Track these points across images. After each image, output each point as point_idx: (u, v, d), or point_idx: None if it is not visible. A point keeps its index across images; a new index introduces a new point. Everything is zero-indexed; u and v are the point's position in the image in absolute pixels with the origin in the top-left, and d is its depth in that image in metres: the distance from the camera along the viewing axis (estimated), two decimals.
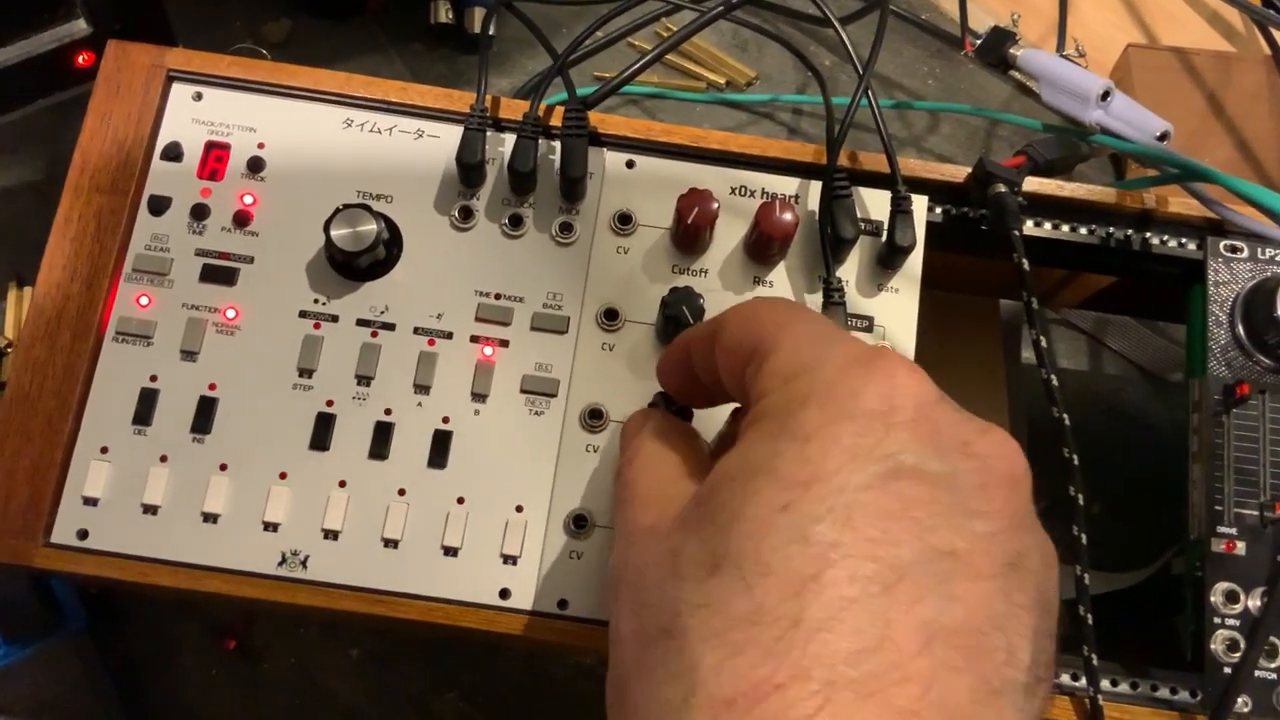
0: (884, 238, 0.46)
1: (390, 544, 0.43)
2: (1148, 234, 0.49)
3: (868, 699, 0.25)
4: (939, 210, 0.48)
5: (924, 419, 0.28)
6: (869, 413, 0.28)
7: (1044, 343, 0.43)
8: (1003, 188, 0.45)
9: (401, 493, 0.43)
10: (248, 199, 0.46)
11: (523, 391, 0.44)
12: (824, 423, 0.28)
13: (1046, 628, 0.29)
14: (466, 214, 0.46)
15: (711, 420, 0.42)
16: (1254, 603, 0.44)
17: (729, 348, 0.33)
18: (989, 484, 0.28)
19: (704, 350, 0.35)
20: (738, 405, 0.41)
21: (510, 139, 0.46)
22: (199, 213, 0.46)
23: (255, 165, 0.46)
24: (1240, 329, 0.47)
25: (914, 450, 0.28)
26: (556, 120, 0.47)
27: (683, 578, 0.28)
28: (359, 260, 0.44)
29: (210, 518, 0.42)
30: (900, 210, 0.46)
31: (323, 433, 0.43)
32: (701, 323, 0.35)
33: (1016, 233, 0.44)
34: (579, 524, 0.43)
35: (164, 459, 0.43)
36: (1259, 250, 0.48)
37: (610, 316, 0.45)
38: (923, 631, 0.26)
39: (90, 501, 0.42)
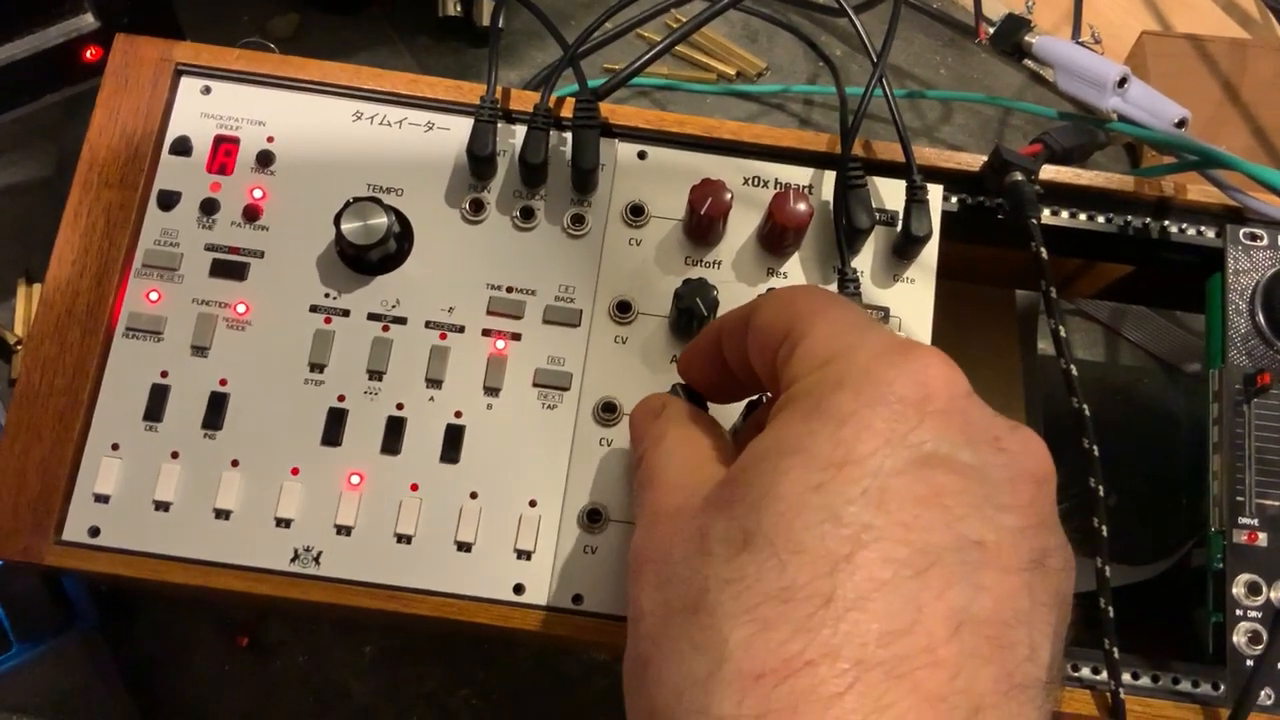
0: (899, 227, 0.46)
1: (403, 539, 0.42)
2: (1166, 222, 0.48)
3: (897, 680, 0.25)
4: (954, 199, 0.48)
5: (956, 410, 0.28)
6: (903, 400, 0.28)
7: (1062, 332, 0.42)
8: (1020, 176, 0.45)
9: (414, 488, 0.43)
10: (257, 193, 0.46)
11: (535, 385, 0.44)
12: (858, 407, 0.28)
13: (1061, 630, 0.29)
14: (478, 206, 0.46)
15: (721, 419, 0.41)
16: (1276, 594, 0.44)
17: (762, 330, 0.33)
18: (1018, 479, 0.28)
19: (736, 335, 0.34)
20: (751, 400, 0.41)
21: (521, 131, 0.46)
22: (208, 207, 0.45)
23: (265, 159, 0.46)
24: (1261, 317, 0.47)
25: (946, 440, 0.28)
26: (567, 112, 0.46)
27: (711, 554, 0.28)
28: (370, 254, 0.44)
29: (222, 514, 0.42)
30: (915, 199, 0.45)
31: (335, 428, 0.43)
32: (734, 309, 0.35)
33: (1035, 221, 0.44)
34: (593, 518, 0.43)
35: (175, 455, 0.43)
36: (1279, 238, 0.48)
37: (623, 309, 0.45)
38: (952, 619, 0.26)
39: (101, 498, 0.42)
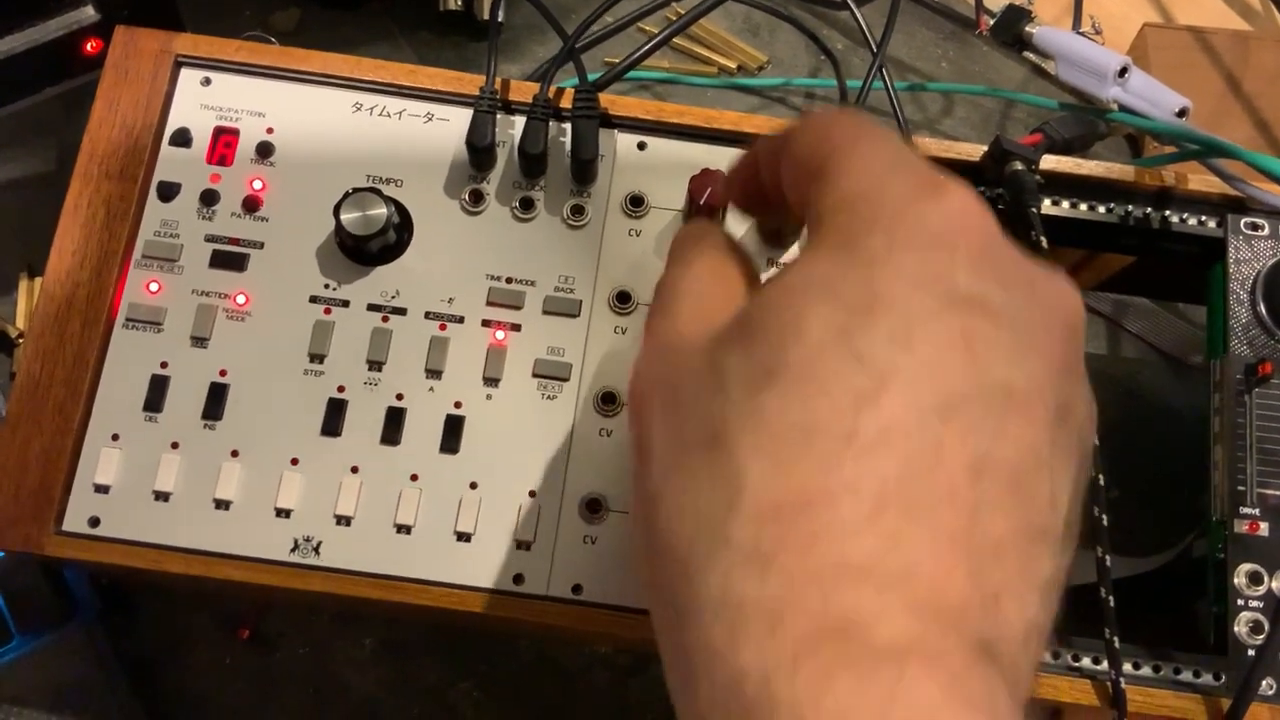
0: None
1: (403, 530, 0.42)
2: (1167, 212, 0.48)
3: (916, 519, 0.25)
4: None
5: (989, 254, 0.28)
6: (934, 241, 0.27)
7: None
8: (1020, 165, 0.45)
9: (414, 478, 0.43)
10: (257, 184, 0.46)
11: (535, 376, 0.44)
12: (889, 249, 0.27)
13: (1081, 482, 0.29)
14: (477, 197, 0.46)
15: None
16: (1278, 584, 0.44)
17: (797, 160, 0.32)
18: (1050, 325, 0.28)
19: (771, 161, 0.33)
20: None
21: (520, 121, 0.46)
22: (208, 198, 0.45)
23: (264, 150, 0.46)
24: (1262, 307, 0.46)
25: (978, 282, 0.27)
26: (567, 103, 0.46)
27: (729, 390, 0.27)
28: (369, 244, 0.44)
29: (222, 504, 0.42)
30: None
31: (334, 418, 0.43)
32: (772, 134, 0.34)
33: (1035, 211, 0.44)
34: (593, 509, 0.43)
35: (175, 446, 0.43)
36: None
37: (623, 300, 0.45)
38: (974, 464, 0.25)
39: (101, 489, 0.42)
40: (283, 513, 0.42)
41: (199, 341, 0.44)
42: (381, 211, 0.43)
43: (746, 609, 0.24)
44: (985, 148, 0.47)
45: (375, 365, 0.44)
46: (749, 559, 0.25)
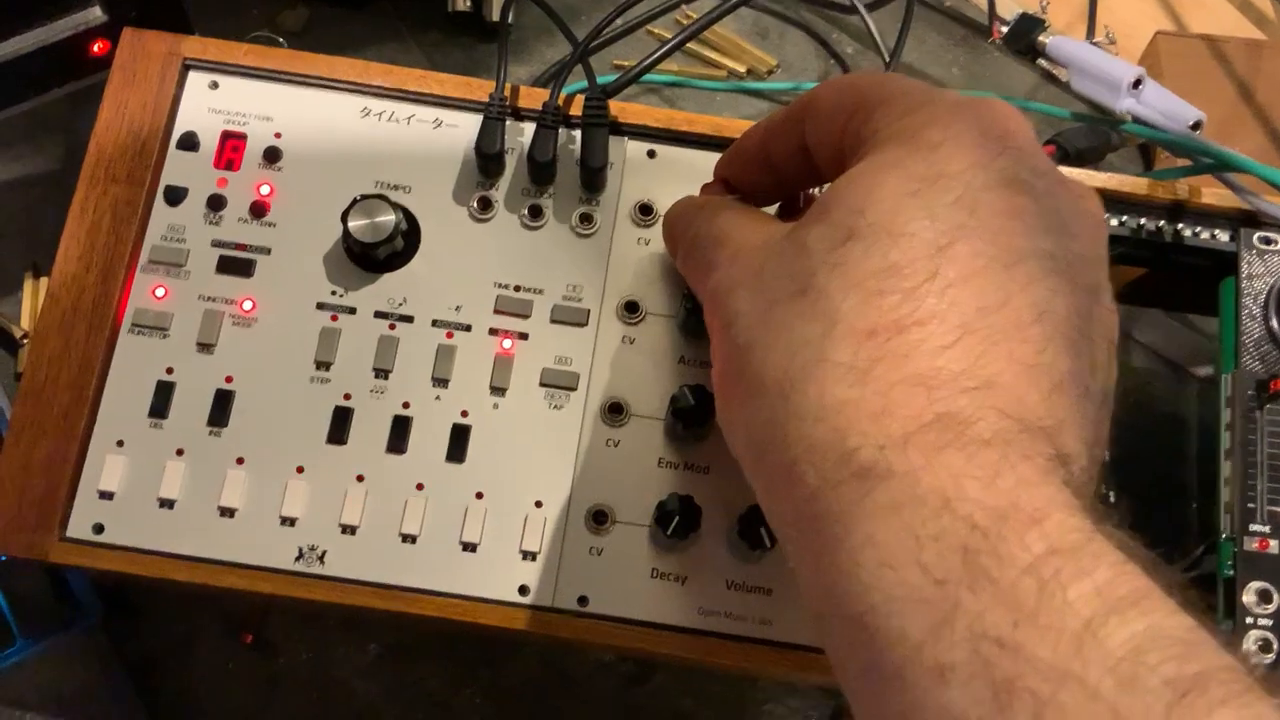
0: None
1: (408, 539, 0.42)
2: (1180, 225, 0.48)
3: (994, 345, 0.28)
4: None
5: (1030, 149, 0.31)
6: (986, 133, 0.31)
7: None
8: None
9: (420, 487, 0.43)
10: (264, 189, 0.45)
11: (542, 385, 0.44)
12: (947, 137, 0.30)
13: (1110, 379, 0.32)
14: (485, 204, 0.45)
15: None
16: None
17: (829, 110, 0.35)
18: (1081, 214, 0.32)
19: (788, 128, 0.37)
20: None
21: (530, 128, 0.46)
22: (215, 203, 0.45)
23: (272, 155, 0.46)
24: (1274, 322, 0.46)
25: (1025, 169, 0.30)
26: (576, 109, 0.46)
27: (813, 252, 0.30)
28: (377, 251, 0.44)
29: (227, 512, 0.42)
30: None
31: (340, 426, 0.43)
32: (777, 110, 0.37)
33: None
34: (599, 519, 0.42)
35: (180, 452, 0.43)
36: None
37: (631, 309, 0.45)
38: (1035, 308, 0.28)
39: (106, 495, 0.42)
40: (288, 521, 0.42)
41: (205, 348, 0.44)
42: (389, 218, 0.43)
43: (847, 409, 0.28)
44: None
45: (382, 373, 0.44)
46: (847, 371, 0.28)
